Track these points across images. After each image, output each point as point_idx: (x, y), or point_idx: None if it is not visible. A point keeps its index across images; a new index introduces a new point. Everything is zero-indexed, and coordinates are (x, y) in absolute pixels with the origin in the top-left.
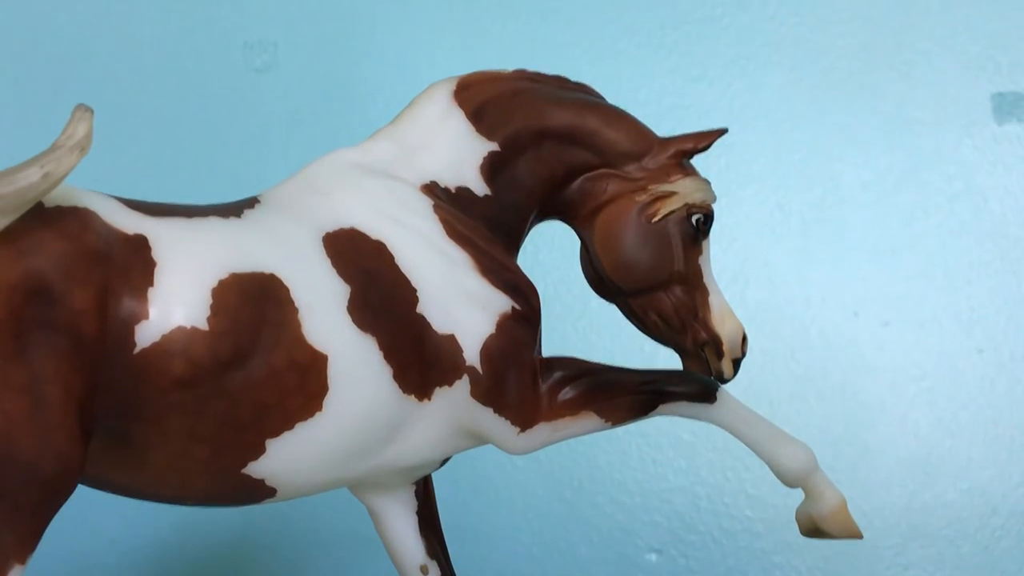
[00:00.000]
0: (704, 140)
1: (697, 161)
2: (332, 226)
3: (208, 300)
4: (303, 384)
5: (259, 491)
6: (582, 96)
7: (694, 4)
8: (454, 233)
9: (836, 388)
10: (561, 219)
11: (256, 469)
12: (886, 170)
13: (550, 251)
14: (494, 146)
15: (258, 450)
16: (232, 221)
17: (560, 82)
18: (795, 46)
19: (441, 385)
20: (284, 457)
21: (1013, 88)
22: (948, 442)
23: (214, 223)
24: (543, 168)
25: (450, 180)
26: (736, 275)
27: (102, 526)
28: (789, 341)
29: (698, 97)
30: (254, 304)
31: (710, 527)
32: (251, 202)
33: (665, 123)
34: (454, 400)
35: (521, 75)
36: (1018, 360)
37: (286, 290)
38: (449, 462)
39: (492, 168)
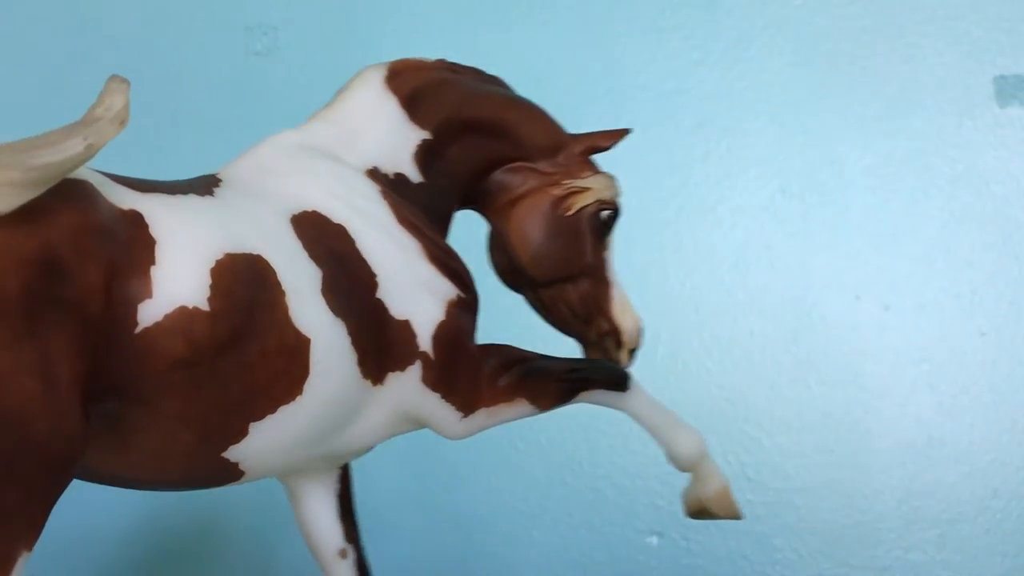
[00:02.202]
0: (611, 139)
1: (695, 145)
2: (296, 208)
3: (207, 280)
4: (290, 368)
5: (231, 474)
6: (500, 90)
7: None
8: (403, 219)
9: (837, 371)
10: (475, 209)
11: (234, 452)
12: (888, 154)
13: None
14: (427, 134)
15: (241, 434)
16: (209, 200)
17: (477, 74)
18: (797, 29)
19: (394, 370)
20: (262, 441)
21: (1015, 71)
22: (949, 425)
23: (196, 201)
24: (468, 158)
25: (389, 167)
26: (737, 259)
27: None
28: (790, 325)
29: (699, 80)
30: (247, 285)
31: None
32: (214, 180)
33: (667, 107)
34: (404, 385)
35: (443, 65)
36: (1019, 343)
37: (273, 272)
38: (448, 447)
39: (425, 156)
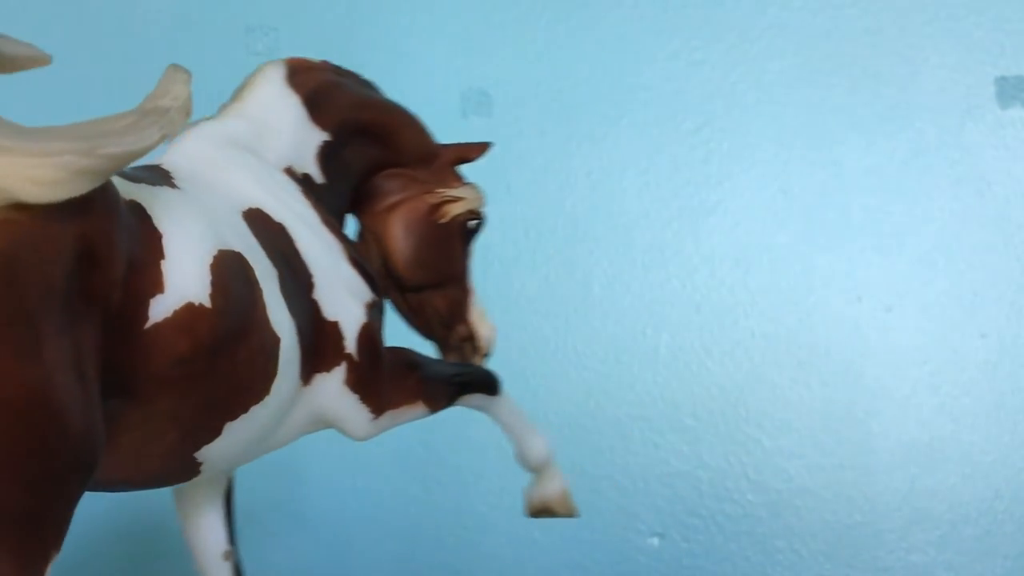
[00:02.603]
0: (479, 151)
1: (697, 146)
2: (243, 205)
3: (208, 276)
4: (266, 367)
5: (190, 474)
6: (381, 95)
7: None
8: (325, 220)
9: (839, 373)
10: (352, 212)
11: (204, 451)
12: (889, 155)
13: (552, 236)
14: (327, 136)
15: (216, 433)
16: (180, 193)
17: (357, 78)
18: (798, 30)
19: (321, 371)
20: (229, 441)
21: (1017, 72)
22: (950, 426)
23: (174, 194)
24: (358, 162)
25: (298, 166)
26: (738, 260)
27: None
28: (792, 326)
29: (701, 81)
30: (238, 283)
31: (712, 511)
32: (165, 172)
33: (668, 107)
34: (327, 387)
35: (329, 66)
36: (1021, 344)
37: (251, 270)
38: (452, 447)
39: (325, 158)
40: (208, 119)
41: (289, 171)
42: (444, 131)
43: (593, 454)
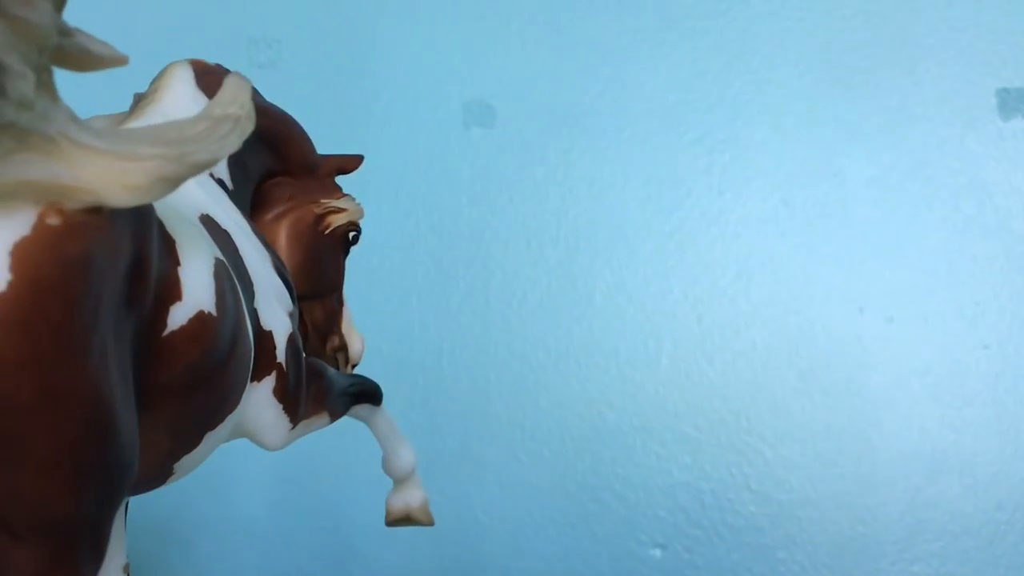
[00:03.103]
0: (355, 162)
1: (698, 157)
2: (197, 211)
3: (213, 284)
4: (245, 376)
5: (162, 482)
6: (270, 103)
7: (698, 0)
8: (253, 227)
9: (840, 383)
10: None
11: (181, 460)
12: (890, 166)
13: (554, 247)
14: None
15: (197, 443)
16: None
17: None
18: (799, 42)
19: (253, 380)
20: (202, 450)
21: (1018, 84)
22: (952, 437)
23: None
24: (256, 169)
25: (215, 171)
26: (740, 271)
27: None
28: (794, 337)
29: (702, 93)
30: (231, 291)
31: (714, 522)
32: None
33: (670, 119)
34: (255, 396)
35: (223, 70)
36: (1022, 356)
37: (233, 279)
38: (453, 458)
39: (232, 163)
40: (126, 115)
41: (211, 176)
42: (447, 142)
43: (595, 465)
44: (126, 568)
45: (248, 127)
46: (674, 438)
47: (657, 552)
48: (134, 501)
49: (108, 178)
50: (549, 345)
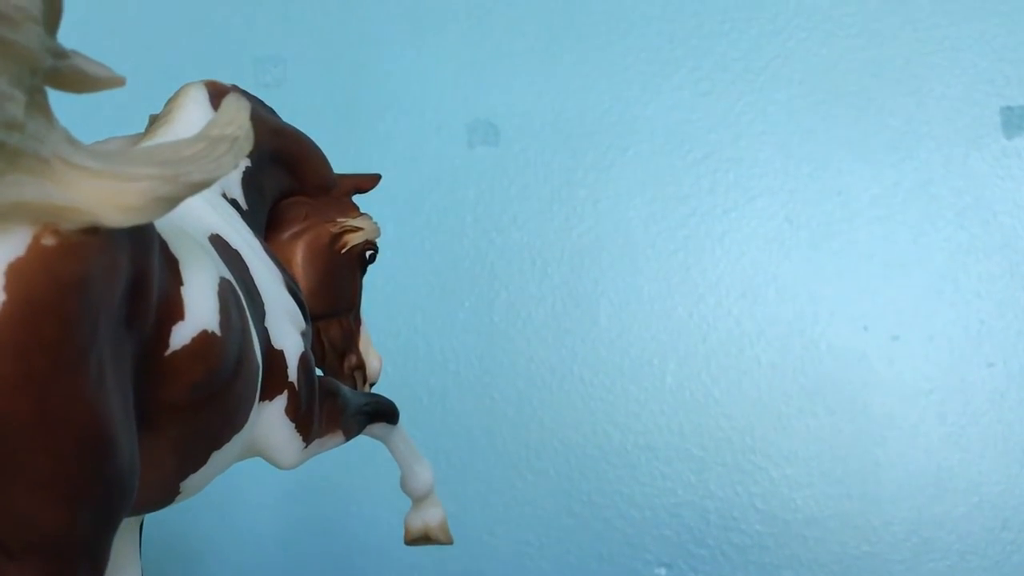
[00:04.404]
0: (372, 182)
1: (703, 176)
2: (207, 230)
3: (217, 303)
4: (252, 395)
5: (167, 502)
6: (287, 123)
7: (702, 19)
8: (265, 247)
9: (845, 402)
10: None
11: (188, 480)
12: (895, 184)
13: (559, 266)
14: (248, 161)
15: (202, 462)
16: (167, 217)
17: (262, 103)
18: (803, 61)
19: (264, 399)
20: (209, 469)
21: (1022, 102)
22: (958, 456)
23: (165, 219)
24: (271, 189)
25: (229, 192)
26: (745, 289)
27: None
28: (798, 355)
29: (706, 112)
30: (236, 310)
31: (719, 542)
32: None
33: (674, 137)
34: (267, 415)
35: (239, 91)
36: None
37: (239, 296)
38: (457, 476)
39: (247, 184)
40: (139, 136)
41: (224, 197)
42: (451, 161)
43: (600, 484)
44: None
45: (246, 147)
46: (679, 457)
47: (662, 571)
48: (148, 520)
49: (103, 199)
50: (554, 364)
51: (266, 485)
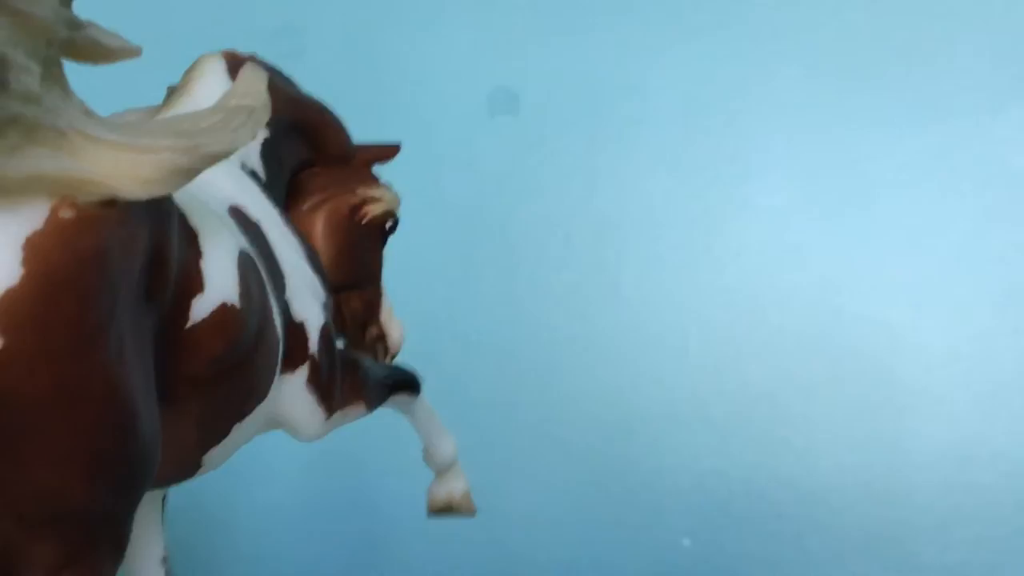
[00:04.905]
0: (391, 152)
1: (724, 145)
2: (226, 202)
3: (237, 276)
4: (273, 367)
5: (189, 476)
6: (306, 93)
7: None
8: (285, 219)
9: (870, 370)
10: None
11: (210, 453)
12: (918, 151)
13: (580, 235)
14: (267, 132)
15: (224, 435)
16: (186, 189)
17: (281, 74)
18: (828, 27)
19: (285, 371)
20: (230, 442)
21: None
22: (984, 424)
23: (184, 190)
24: (290, 159)
25: (248, 162)
26: (768, 258)
27: None
28: (823, 324)
29: (728, 79)
30: (256, 283)
31: (744, 510)
32: None
33: (694, 106)
34: (289, 387)
35: (259, 61)
36: None
37: (259, 269)
38: (479, 448)
39: (265, 154)
40: (157, 108)
41: (243, 167)
42: (471, 130)
43: (623, 453)
44: (165, 560)
45: (263, 118)
46: (703, 427)
47: (687, 541)
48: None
49: (120, 171)
50: (576, 334)
51: (289, 457)
